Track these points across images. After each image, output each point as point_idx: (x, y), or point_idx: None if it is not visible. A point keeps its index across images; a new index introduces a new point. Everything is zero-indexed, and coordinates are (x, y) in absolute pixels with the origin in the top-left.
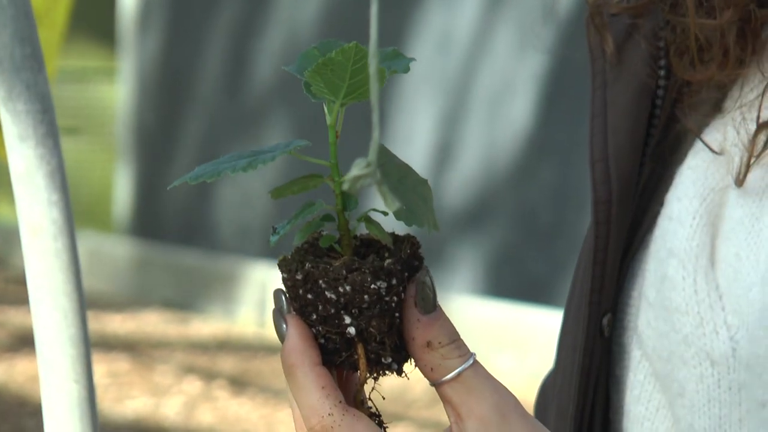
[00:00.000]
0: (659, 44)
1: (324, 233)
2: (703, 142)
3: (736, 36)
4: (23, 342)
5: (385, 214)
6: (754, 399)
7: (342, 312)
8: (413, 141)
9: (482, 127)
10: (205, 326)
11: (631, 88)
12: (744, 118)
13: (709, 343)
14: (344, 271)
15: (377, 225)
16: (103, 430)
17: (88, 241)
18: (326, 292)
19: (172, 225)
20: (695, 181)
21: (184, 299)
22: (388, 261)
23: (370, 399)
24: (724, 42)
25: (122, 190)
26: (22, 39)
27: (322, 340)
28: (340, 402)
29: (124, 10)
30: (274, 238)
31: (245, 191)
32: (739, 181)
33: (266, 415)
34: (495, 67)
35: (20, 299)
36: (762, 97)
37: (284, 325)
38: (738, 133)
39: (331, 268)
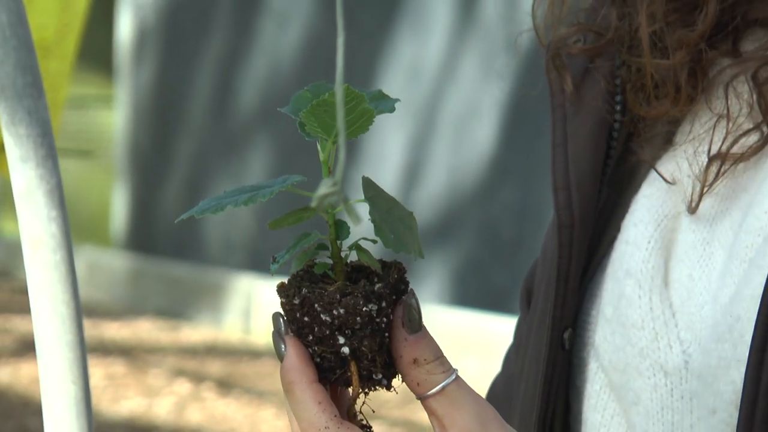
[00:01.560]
0: (616, 82)
1: (318, 261)
2: (658, 172)
3: (687, 75)
4: (27, 347)
5: (374, 242)
6: (706, 406)
7: (336, 333)
8: (385, 162)
9: (448, 149)
10: (195, 333)
11: (590, 122)
12: (696, 151)
13: (663, 356)
14: (338, 296)
15: (367, 252)
16: (100, 429)
17: (87, 255)
18: (321, 315)
19: (165, 240)
20: (650, 208)
21: (175, 308)
22: (378, 285)
23: (360, 413)
24: (677, 80)
25: (119, 208)
26: (23, 68)
27: (318, 359)
28: (335, 416)
29: (120, 42)
30: (274, 267)
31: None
32: (692, 209)
33: (250, 414)
34: (460, 94)
35: (24, 308)
36: (712, 131)
37: (283, 346)
38: (690, 164)
39: (326, 293)
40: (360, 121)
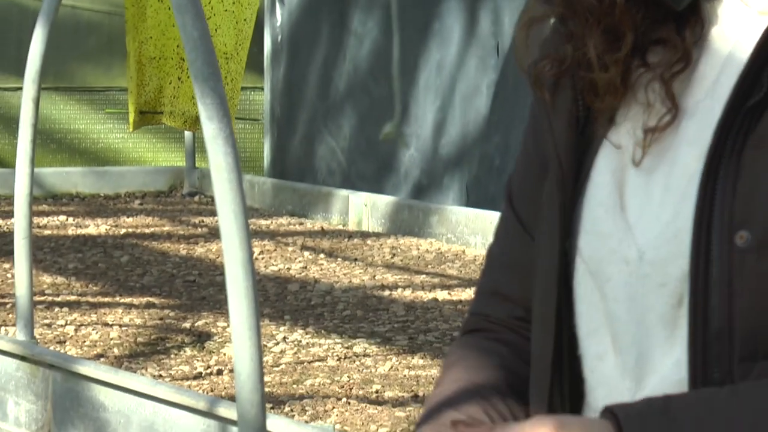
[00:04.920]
0: (576, 90)
1: None
2: (610, 141)
3: (620, 80)
4: (215, 234)
5: None
6: (655, 282)
7: None
8: (424, 122)
9: (461, 113)
10: (314, 225)
11: (565, 115)
12: (633, 126)
13: (626, 252)
14: None
15: None
16: (258, 282)
17: (248, 178)
18: None
19: (292, 169)
20: (607, 164)
21: (300, 211)
22: None
23: None
24: (615, 85)
25: (266, 151)
26: (208, 63)
27: None
28: None
29: (265, 53)
30: None
31: (333, 151)
32: (637, 163)
33: (347, 273)
34: (467, 80)
35: (212, 211)
36: (643, 114)
37: None
38: (630, 135)
39: None
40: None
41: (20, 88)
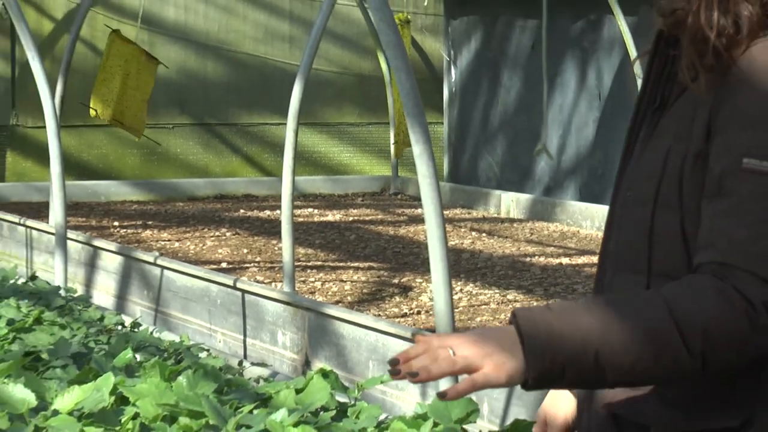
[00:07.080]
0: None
1: None
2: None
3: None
4: (414, 220)
5: None
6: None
7: None
8: (551, 144)
9: (575, 139)
10: (478, 214)
11: None
12: None
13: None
14: None
15: None
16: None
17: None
18: None
19: (463, 177)
20: None
21: (469, 204)
22: None
23: None
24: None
25: (446, 165)
26: (416, 104)
27: None
28: None
29: (444, 99)
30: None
31: (490, 165)
32: None
33: (501, 246)
34: (580, 116)
35: (411, 205)
36: None
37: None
38: None
39: None
40: None
41: (283, 124)
